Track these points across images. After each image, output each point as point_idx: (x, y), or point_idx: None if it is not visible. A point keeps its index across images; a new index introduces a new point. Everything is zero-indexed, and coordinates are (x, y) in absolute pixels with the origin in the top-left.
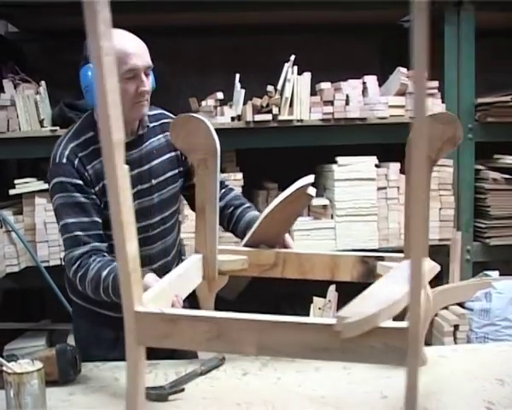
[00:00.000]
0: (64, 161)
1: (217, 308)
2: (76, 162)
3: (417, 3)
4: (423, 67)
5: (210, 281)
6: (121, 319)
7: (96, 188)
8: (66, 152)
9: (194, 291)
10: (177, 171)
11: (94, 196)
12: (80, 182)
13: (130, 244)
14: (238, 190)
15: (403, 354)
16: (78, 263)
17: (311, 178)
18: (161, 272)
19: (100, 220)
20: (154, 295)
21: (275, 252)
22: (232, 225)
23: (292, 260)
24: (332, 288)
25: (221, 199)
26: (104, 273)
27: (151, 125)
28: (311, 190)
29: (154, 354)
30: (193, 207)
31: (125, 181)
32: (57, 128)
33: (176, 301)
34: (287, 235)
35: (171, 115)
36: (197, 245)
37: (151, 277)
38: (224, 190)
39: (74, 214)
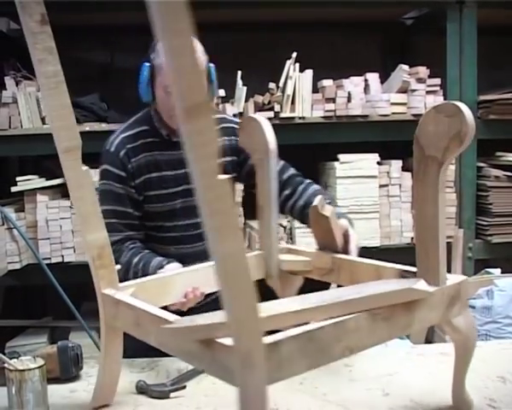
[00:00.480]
0: (112, 149)
1: None
2: (122, 153)
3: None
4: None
5: (279, 279)
6: None
7: (137, 181)
8: (117, 141)
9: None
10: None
11: (132, 190)
12: (122, 173)
13: (90, 235)
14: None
15: (232, 372)
16: (112, 249)
17: (317, 201)
18: None
19: (133, 211)
20: (147, 284)
21: (331, 257)
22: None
23: (345, 268)
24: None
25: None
26: (135, 260)
27: None
28: (326, 210)
29: (157, 350)
30: None
31: (80, 181)
32: None
33: (190, 292)
34: (352, 239)
35: (234, 119)
36: (259, 244)
37: (173, 266)
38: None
39: (111, 202)
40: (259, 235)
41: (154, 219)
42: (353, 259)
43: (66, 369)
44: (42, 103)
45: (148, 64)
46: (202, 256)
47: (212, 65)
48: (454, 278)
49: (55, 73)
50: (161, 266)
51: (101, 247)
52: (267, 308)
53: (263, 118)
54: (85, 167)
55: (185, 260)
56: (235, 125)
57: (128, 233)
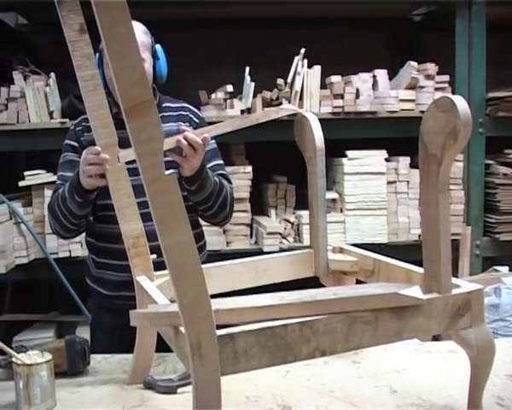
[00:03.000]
0: (72, 127)
1: None
2: (78, 128)
3: None
4: None
5: (332, 279)
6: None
7: None
8: (76, 121)
9: None
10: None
11: None
12: (76, 144)
13: (125, 225)
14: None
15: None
16: (50, 198)
17: None
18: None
19: None
20: None
21: (373, 259)
22: None
23: (383, 270)
24: None
25: None
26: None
27: (167, 113)
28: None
29: (164, 345)
30: None
31: (116, 174)
32: (66, 120)
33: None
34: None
35: (193, 109)
36: (310, 241)
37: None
38: None
39: (64, 170)
40: (309, 233)
41: (104, 197)
42: (389, 262)
43: (73, 364)
44: (50, 98)
45: (97, 53)
46: (153, 236)
47: (158, 45)
48: (466, 286)
49: (92, 77)
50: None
51: (136, 236)
52: (229, 302)
53: (312, 116)
54: (121, 162)
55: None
56: (191, 115)
57: None
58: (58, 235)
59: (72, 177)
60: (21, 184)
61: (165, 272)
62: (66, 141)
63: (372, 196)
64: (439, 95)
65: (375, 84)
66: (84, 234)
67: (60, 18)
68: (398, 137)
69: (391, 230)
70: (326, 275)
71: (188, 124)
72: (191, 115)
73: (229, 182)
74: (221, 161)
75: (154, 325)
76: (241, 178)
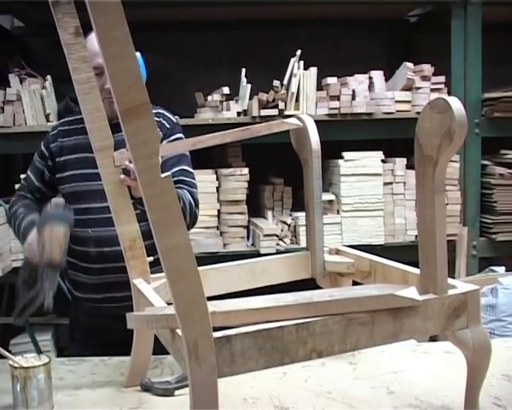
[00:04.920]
0: (50, 130)
1: None
2: (52, 132)
3: None
4: None
5: (328, 280)
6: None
7: (57, 160)
8: (55, 124)
9: None
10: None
11: (48, 168)
12: (45, 151)
13: (121, 227)
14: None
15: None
16: (13, 199)
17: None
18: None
19: (41, 186)
20: None
21: (369, 261)
22: None
23: (379, 271)
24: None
25: None
26: (20, 211)
27: None
28: None
29: (160, 348)
30: None
31: (112, 177)
32: None
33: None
34: None
35: (167, 115)
36: (307, 243)
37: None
38: None
39: (30, 170)
40: (306, 234)
41: (76, 200)
42: (386, 263)
43: None
44: (46, 101)
45: None
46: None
47: (138, 53)
48: (462, 287)
49: (88, 79)
50: (25, 236)
51: (132, 239)
52: (226, 305)
53: (308, 117)
54: (115, 168)
55: (102, 244)
56: (164, 120)
57: (30, 197)
58: None
59: (23, 231)
60: (18, 186)
61: (161, 275)
62: (40, 144)
63: (368, 198)
64: (434, 96)
65: (371, 86)
66: None
67: (55, 21)
68: (394, 138)
69: (387, 231)
70: (322, 277)
71: (159, 130)
72: (164, 121)
73: (191, 186)
74: (185, 167)
75: (150, 328)
76: (237, 180)
